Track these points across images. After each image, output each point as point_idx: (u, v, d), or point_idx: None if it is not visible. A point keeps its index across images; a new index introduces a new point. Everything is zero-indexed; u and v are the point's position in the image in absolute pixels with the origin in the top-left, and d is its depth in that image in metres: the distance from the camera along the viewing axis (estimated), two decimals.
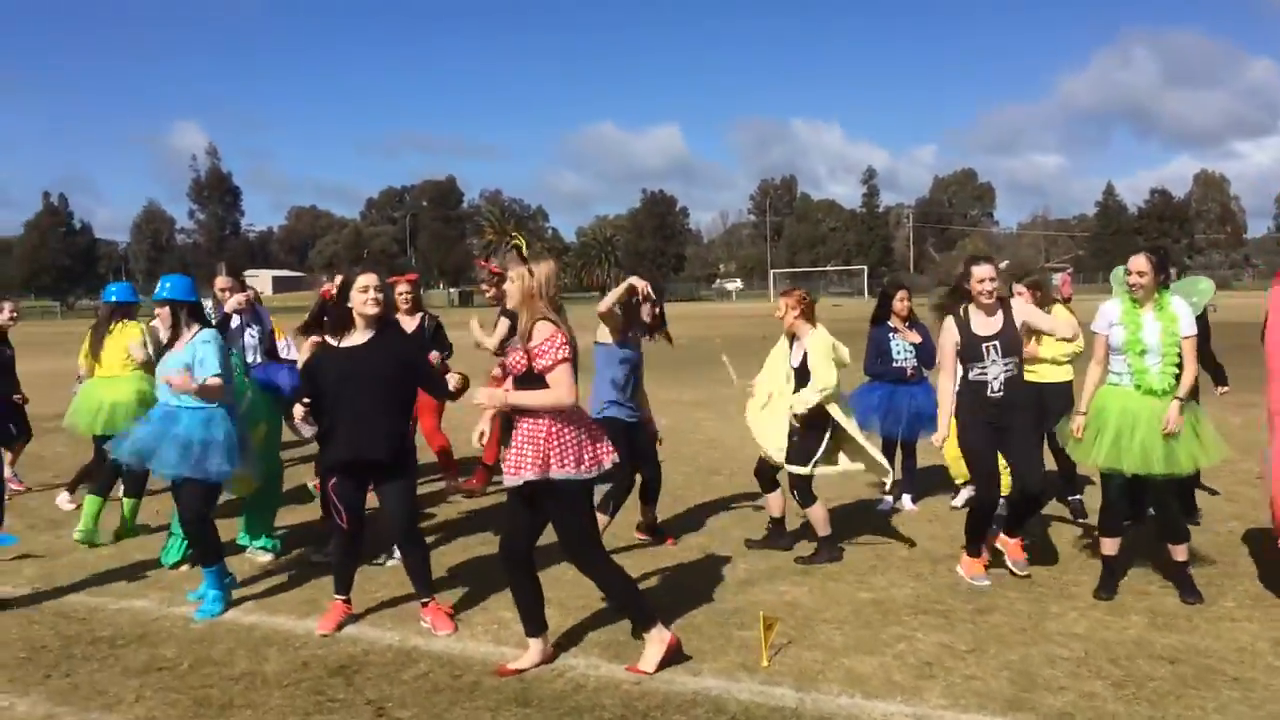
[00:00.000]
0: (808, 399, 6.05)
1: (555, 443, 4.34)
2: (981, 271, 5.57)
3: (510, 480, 4.42)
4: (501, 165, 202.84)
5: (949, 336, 5.70)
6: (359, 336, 5.04)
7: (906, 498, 7.64)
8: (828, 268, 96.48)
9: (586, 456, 4.40)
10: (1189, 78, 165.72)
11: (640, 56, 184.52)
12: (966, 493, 7.30)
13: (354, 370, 4.96)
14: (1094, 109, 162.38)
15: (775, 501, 6.56)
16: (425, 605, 5.15)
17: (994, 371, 5.55)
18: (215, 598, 5.45)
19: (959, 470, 7.27)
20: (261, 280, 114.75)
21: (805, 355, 6.17)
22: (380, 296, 5.01)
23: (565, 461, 4.34)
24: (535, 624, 4.59)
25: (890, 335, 7.47)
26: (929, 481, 8.04)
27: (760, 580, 5.81)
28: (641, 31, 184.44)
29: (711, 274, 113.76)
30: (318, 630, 5.06)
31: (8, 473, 9.02)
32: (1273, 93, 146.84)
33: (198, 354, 5.46)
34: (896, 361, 7.39)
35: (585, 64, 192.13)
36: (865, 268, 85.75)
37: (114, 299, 7.46)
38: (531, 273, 4.35)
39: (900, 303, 7.53)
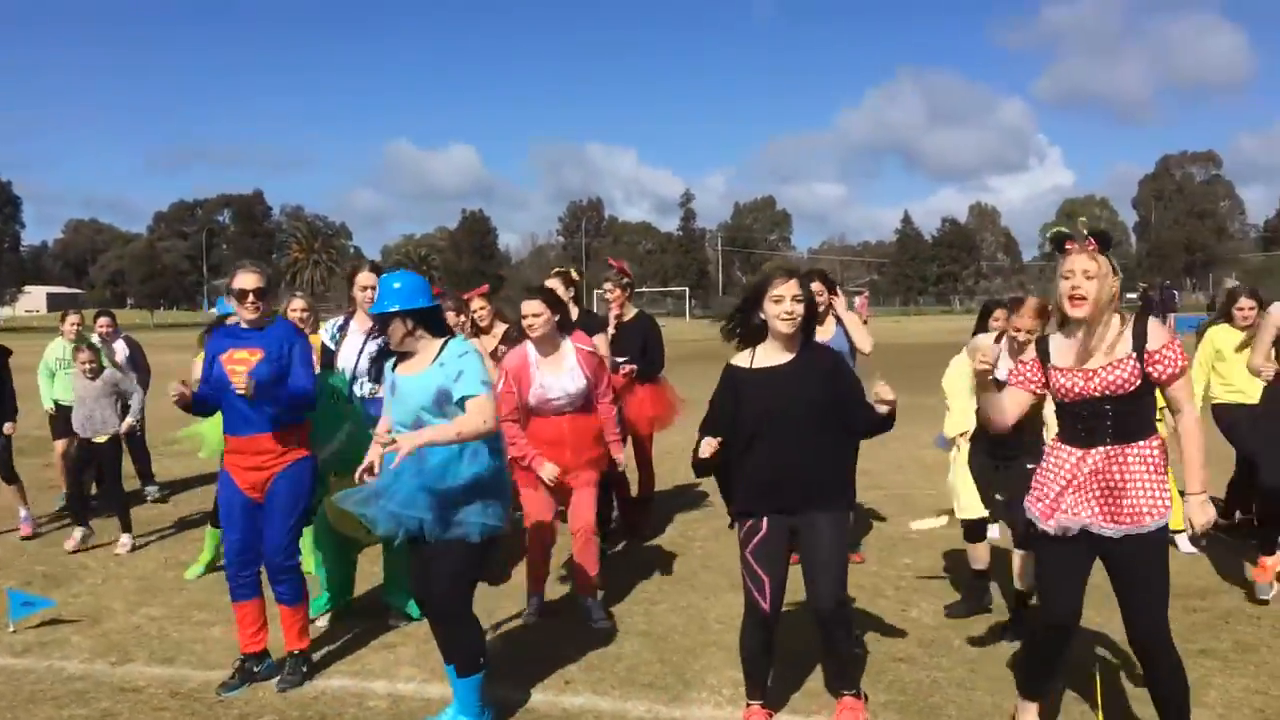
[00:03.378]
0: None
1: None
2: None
3: (1129, 529, 3.47)
4: (302, 180, 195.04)
5: (1271, 322, 5.65)
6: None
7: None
8: (645, 289, 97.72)
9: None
10: (949, 116, 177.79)
11: (437, 73, 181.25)
12: (1185, 542, 6.71)
13: None
14: (868, 143, 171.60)
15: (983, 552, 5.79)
16: (842, 699, 4.20)
17: None
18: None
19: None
20: (35, 297, 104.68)
21: None
22: None
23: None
24: (1045, 690, 4.05)
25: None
26: None
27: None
28: (435, 44, 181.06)
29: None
30: None
31: (22, 513, 7.63)
32: (1022, 133, 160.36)
33: (455, 369, 4.01)
34: None
35: (379, 79, 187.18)
36: (686, 289, 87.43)
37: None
38: (1116, 269, 3.51)
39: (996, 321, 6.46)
